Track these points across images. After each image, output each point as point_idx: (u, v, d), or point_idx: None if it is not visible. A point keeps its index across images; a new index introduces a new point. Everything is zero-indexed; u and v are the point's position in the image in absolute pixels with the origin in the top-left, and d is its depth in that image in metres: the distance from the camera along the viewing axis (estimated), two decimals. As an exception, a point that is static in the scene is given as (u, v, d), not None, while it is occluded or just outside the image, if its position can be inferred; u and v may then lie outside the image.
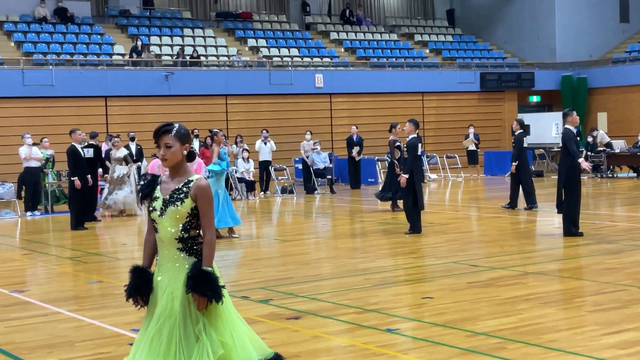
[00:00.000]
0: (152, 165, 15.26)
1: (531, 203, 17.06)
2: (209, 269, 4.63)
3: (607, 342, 6.65)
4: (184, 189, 4.70)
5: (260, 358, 4.78)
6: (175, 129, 4.75)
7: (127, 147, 20.56)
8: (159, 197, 4.76)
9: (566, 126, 12.86)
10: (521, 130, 17.40)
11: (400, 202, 17.31)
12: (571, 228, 12.83)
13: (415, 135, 13.97)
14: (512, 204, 17.24)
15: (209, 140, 23.49)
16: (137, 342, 4.74)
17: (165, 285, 4.68)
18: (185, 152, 4.76)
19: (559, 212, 13.11)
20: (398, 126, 17.34)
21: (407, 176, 13.81)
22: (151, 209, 4.77)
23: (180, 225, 4.68)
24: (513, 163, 17.07)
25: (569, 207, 12.79)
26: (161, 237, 4.73)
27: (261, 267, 11.35)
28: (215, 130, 15.17)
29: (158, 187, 4.81)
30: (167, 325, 4.61)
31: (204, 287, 4.56)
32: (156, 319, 4.65)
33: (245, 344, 4.71)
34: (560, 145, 13.12)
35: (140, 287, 4.76)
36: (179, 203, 4.67)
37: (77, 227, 16.22)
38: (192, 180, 4.72)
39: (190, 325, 4.60)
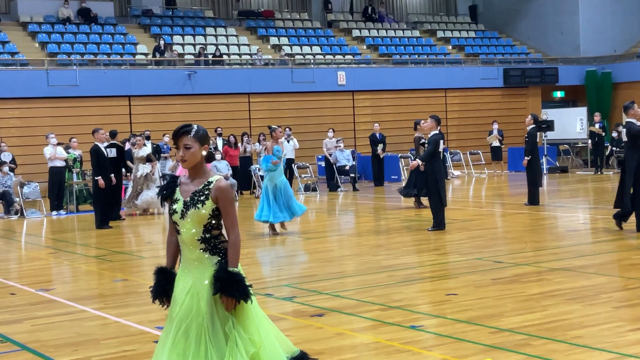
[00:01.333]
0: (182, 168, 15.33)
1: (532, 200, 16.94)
2: (235, 269, 4.61)
3: (634, 338, 6.59)
4: (205, 190, 4.68)
5: (287, 356, 4.78)
6: (194, 130, 4.74)
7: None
8: (179, 200, 4.74)
9: (628, 120, 12.46)
10: (533, 125, 17.23)
11: (424, 200, 17.29)
12: None
13: (437, 132, 13.95)
14: (532, 200, 17.07)
15: (232, 139, 23.62)
16: (161, 342, 4.71)
17: (189, 285, 4.67)
18: (204, 153, 4.76)
19: (615, 207, 12.65)
20: (423, 123, 17.31)
21: (420, 162, 13.86)
22: (172, 211, 4.77)
23: (202, 227, 4.67)
24: (526, 157, 16.91)
25: None
26: (183, 238, 4.72)
27: (285, 265, 11.36)
28: (274, 126, 15.10)
29: (178, 188, 4.80)
30: (194, 325, 4.59)
31: (231, 289, 4.54)
32: (180, 320, 4.62)
33: (272, 342, 4.70)
34: (626, 139, 12.54)
35: (165, 288, 4.78)
36: (200, 205, 4.65)
37: (102, 226, 16.33)
38: (212, 182, 4.70)
39: (218, 324, 4.58)
